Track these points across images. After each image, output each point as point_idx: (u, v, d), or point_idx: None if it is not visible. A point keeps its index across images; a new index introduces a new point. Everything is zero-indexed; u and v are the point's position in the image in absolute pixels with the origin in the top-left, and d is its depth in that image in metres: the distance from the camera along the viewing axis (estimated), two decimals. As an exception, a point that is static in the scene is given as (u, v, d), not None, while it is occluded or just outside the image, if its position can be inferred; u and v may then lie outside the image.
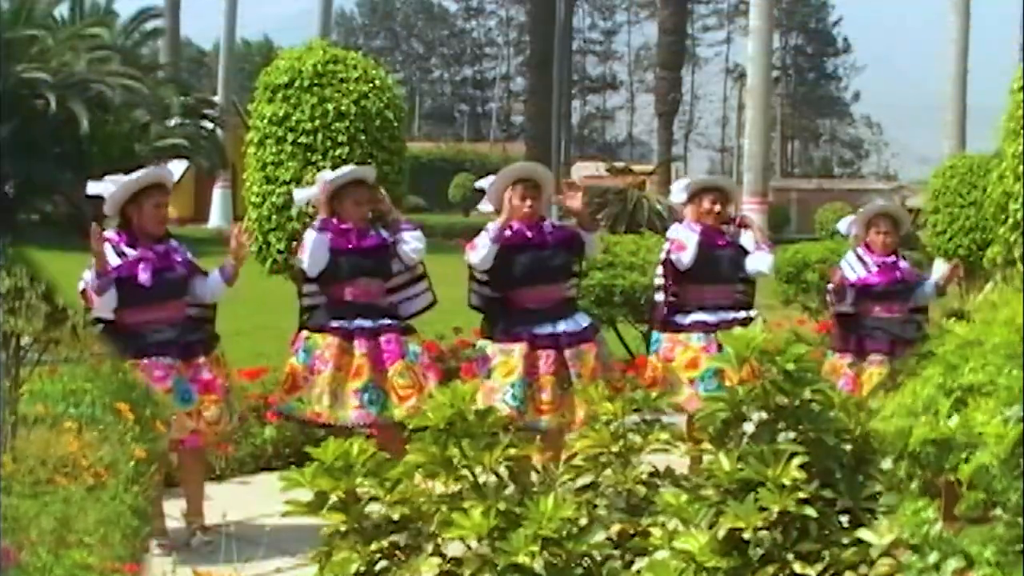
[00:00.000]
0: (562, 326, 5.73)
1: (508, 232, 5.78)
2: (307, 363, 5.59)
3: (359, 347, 5.57)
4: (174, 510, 5.69)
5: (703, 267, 6.24)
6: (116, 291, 5.07)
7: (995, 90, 8.69)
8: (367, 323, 5.59)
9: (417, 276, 5.95)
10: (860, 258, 6.60)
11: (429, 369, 5.77)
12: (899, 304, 6.54)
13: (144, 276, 5.09)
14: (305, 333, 5.69)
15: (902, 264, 6.60)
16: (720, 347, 5.92)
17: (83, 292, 5.10)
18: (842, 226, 6.84)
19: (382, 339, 5.59)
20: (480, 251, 5.73)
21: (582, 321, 5.86)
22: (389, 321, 5.67)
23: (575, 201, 5.99)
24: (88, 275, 5.11)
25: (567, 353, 5.68)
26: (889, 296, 6.53)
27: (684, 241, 6.23)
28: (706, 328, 6.14)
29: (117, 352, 5.07)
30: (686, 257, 6.21)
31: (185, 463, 5.24)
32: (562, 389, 5.66)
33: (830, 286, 6.70)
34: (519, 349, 5.66)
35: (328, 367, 5.53)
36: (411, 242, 5.79)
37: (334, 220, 5.71)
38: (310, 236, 5.65)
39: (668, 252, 6.31)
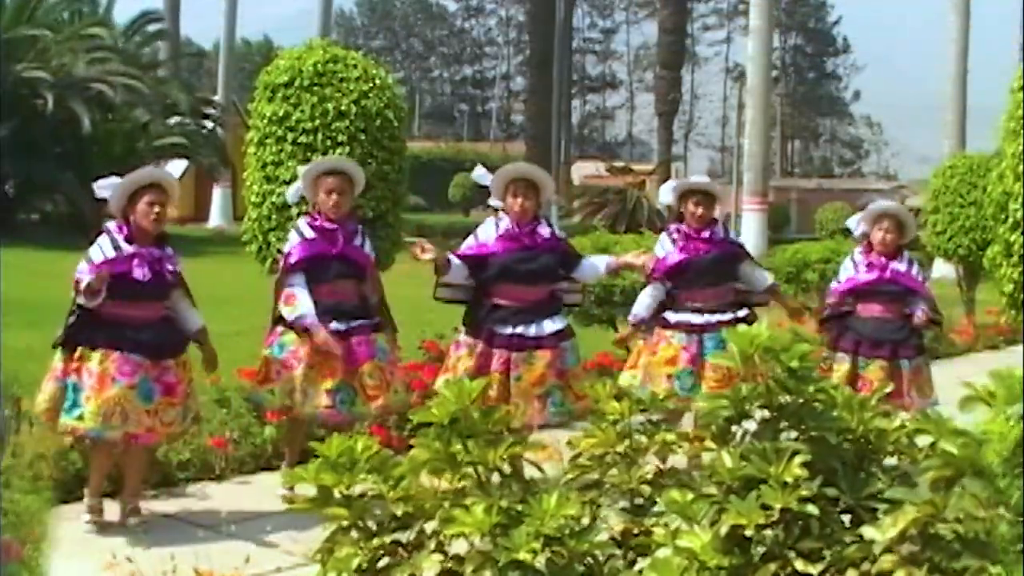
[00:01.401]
0: (521, 328, 5.72)
1: (498, 231, 5.85)
2: (280, 357, 5.74)
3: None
4: (174, 508, 5.70)
5: (688, 275, 6.42)
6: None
7: (995, 90, 8.69)
8: (340, 326, 5.72)
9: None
10: (853, 260, 6.76)
11: (395, 364, 6.03)
12: (883, 305, 6.57)
13: (140, 272, 5.22)
14: (280, 328, 5.81)
15: (895, 266, 6.60)
16: (701, 349, 6.21)
17: (77, 282, 5.17)
18: (851, 223, 7.00)
19: (353, 340, 5.75)
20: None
21: (548, 327, 5.78)
22: (360, 322, 5.80)
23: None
24: (84, 267, 5.21)
25: (515, 356, 5.70)
26: (871, 296, 6.61)
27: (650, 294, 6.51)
28: (690, 329, 6.33)
29: (89, 340, 5.17)
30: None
31: (128, 453, 5.38)
32: (508, 390, 5.69)
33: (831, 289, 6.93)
34: (477, 345, 5.76)
35: (301, 365, 5.68)
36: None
37: (317, 217, 5.83)
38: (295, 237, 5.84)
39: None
